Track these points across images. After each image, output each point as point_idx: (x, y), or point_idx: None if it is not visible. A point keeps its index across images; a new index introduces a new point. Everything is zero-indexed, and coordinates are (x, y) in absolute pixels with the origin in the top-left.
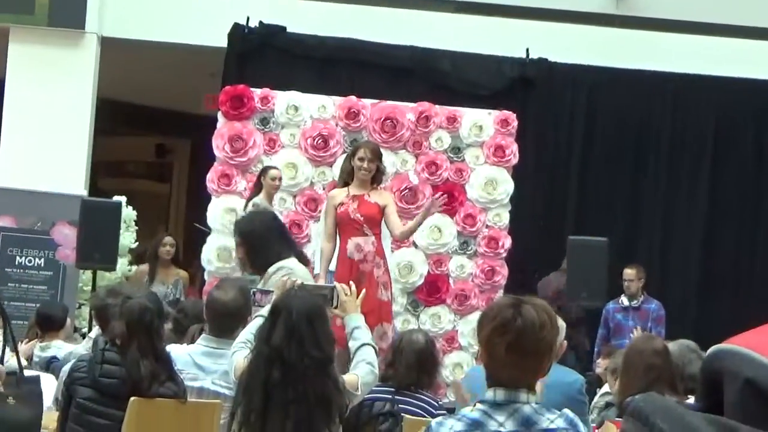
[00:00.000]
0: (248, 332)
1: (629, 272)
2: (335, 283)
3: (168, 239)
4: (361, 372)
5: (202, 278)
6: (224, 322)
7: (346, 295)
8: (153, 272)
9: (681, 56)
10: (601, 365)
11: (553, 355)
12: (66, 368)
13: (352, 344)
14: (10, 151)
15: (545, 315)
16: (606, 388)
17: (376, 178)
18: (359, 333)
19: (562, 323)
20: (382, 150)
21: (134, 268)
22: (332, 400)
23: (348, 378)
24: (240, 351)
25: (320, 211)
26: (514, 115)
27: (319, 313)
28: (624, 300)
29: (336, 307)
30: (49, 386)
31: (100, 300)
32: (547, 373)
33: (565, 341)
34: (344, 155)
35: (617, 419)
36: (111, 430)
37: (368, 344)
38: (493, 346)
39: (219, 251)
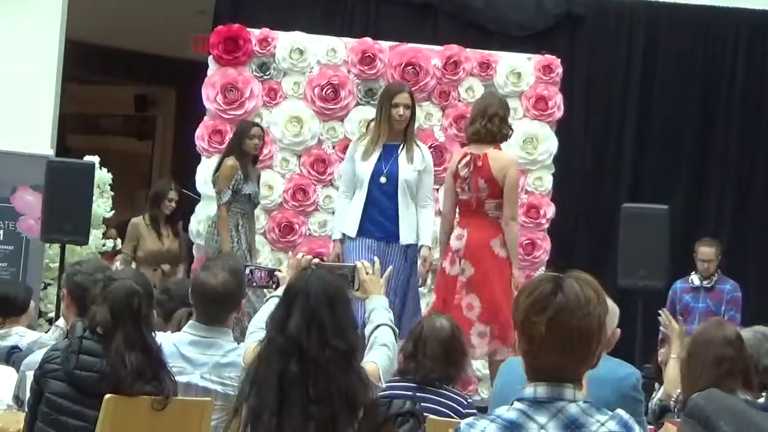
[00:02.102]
0: (266, 314)
1: (708, 251)
2: (356, 262)
3: (256, 130)
4: (378, 357)
5: (189, 252)
6: (213, 309)
7: (367, 273)
8: (245, 169)
9: None
10: (662, 354)
11: (602, 339)
12: (33, 359)
13: (368, 328)
14: None
15: (591, 290)
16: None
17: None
18: (375, 315)
19: (615, 308)
20: None
21: (108, 242)
22: (357, 395)
23: (368, 368)
24: (256, 332)
25: (330, 174)
26: (559, 60)
27: (340, 296)
28: (694, 279)
29: (357, 289)
30: (8, 381)
31: (85, 276)
32: (597, 363)
33: (618, 330)
34: (357, 107)
35: (677, 419)
36: None
37: (385, 324)
38: (531, 326)
39: (212, 222)
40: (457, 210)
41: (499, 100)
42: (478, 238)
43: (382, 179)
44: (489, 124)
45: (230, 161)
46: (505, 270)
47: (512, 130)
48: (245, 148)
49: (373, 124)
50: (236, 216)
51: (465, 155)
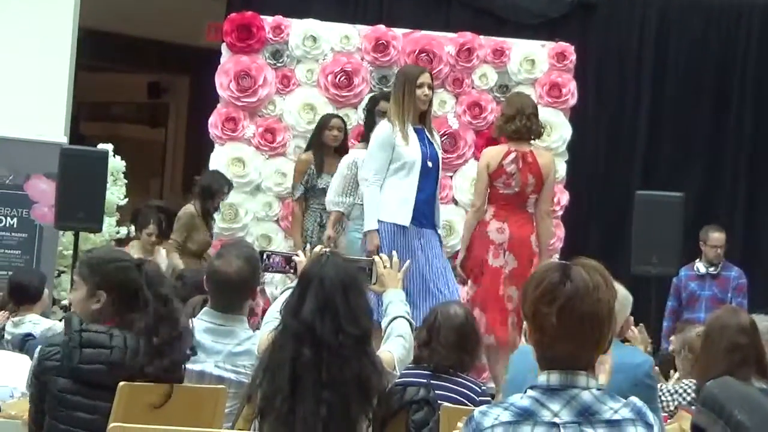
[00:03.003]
0: (281, 304)
1: (721, 237)
2: (374, 256)
3: (336, 121)
4: (394, 347)
5: None
6: (228, 297)
7: (384, 267)
8: (320, 161)
9: None
10: (674, 343)
11: (612, 324)
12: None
13: (385, 321)
14: None
15: (598, 276)
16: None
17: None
18: (392, 308)
19: (627, 295)
20: None
21: (122, 229)
22: (370, 382)
23: (383, 356)
24: (271, 322)
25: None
26: (572, 47)
27: (354, 283)
28: (700, 267)
29: (375, 283)
30: (23, 368)
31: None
32: (608, 348)
33: (632, 317)
34: (370, 94)
35: (691, 407)
36: (97, 425)
37: (401, 317)
38: (541, 317)
39: (223, 209)
40: (491, 203)
41: (531, 99)
42: (520, 232)
43: (429, 163)
44: (528, 122)
45: (304, 155)
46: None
47: (543, 128)
48: (324, 140)
49: (391, 108)
50: (316, 213)
51: (509, 152)
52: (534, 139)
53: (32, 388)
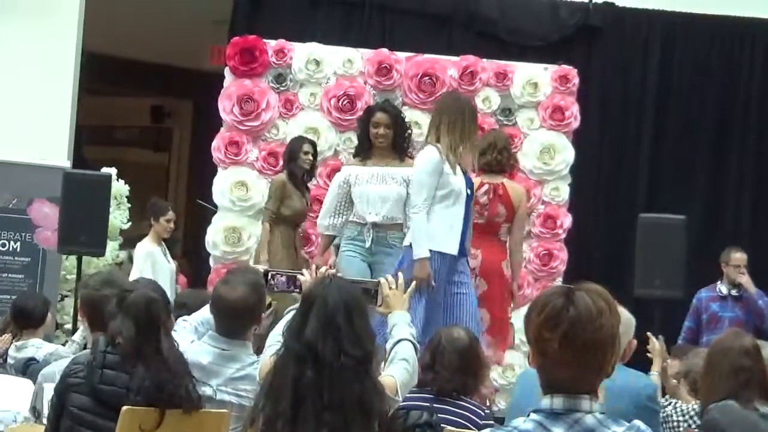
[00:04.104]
0: (283, 327)
1: (741, 257)
2: (380, 278)
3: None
4: (396, 371)
5: (197, 265)
6: (232, 323)
7: (390, 288)
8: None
9: None
10: (672, 367)
11: (616, 349)
12: (50, 370)
13: (389, 343)
14: None
15: (602, 301)
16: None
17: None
18: (397, 330)
19: (631, 318)
20: (419, 112)
21: (123, 254)
22: (372, 405)
23: (385, 381)
24: (273, 345)
25: None
26: (575, 70)
27: (357, 304)
28: (722, 288)
29: (380, 305)
30: (26, 392)
31: (93, 290)
32: (612, 373)
33: (635, 340)
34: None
35: (696, 430)
36: None
37: (405, 339)
38: (543, 343)
39: (226, 233)
40: None
41: (504, 135)
42: (491, 259)
43: (467, 191)
44: (499, 155)
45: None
46: (508, 289)
47: (517, 162)
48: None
49: (445, 135)
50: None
51: (483, 184)
52: (507, 171)
53: (51, 408)
